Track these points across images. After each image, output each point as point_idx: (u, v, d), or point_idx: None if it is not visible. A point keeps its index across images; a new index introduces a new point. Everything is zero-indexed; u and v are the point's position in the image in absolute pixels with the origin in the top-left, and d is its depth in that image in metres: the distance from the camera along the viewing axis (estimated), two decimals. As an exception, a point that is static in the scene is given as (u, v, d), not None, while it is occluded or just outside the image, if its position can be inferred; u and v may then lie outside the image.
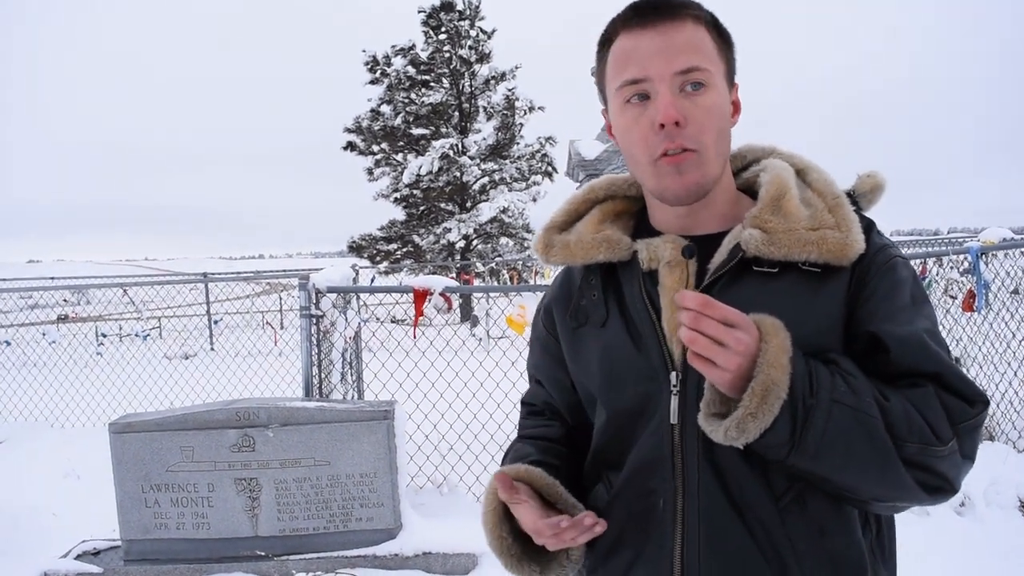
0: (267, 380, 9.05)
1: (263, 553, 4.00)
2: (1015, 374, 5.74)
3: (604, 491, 1.30)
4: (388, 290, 5.56)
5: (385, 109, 20.97)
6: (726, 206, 1.29)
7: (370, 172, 21.77)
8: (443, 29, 20.61)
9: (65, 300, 21.89)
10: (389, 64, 20.74)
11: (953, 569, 3.85)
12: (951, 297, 7.05)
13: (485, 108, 21.28)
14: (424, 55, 20.75)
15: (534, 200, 20.86)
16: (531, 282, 19.26)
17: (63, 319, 16.07)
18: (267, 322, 16.14)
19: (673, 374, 1.19)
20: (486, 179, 20.84)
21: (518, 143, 21.22)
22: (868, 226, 1.23)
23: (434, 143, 20.05)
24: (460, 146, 20.03)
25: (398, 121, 20.74)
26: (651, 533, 1.21)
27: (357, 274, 5.61)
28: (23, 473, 6.06)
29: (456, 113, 21.16)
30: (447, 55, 20.54)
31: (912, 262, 7.11)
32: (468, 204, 20.90)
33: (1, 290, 8.39)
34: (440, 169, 19.63)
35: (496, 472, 1.26)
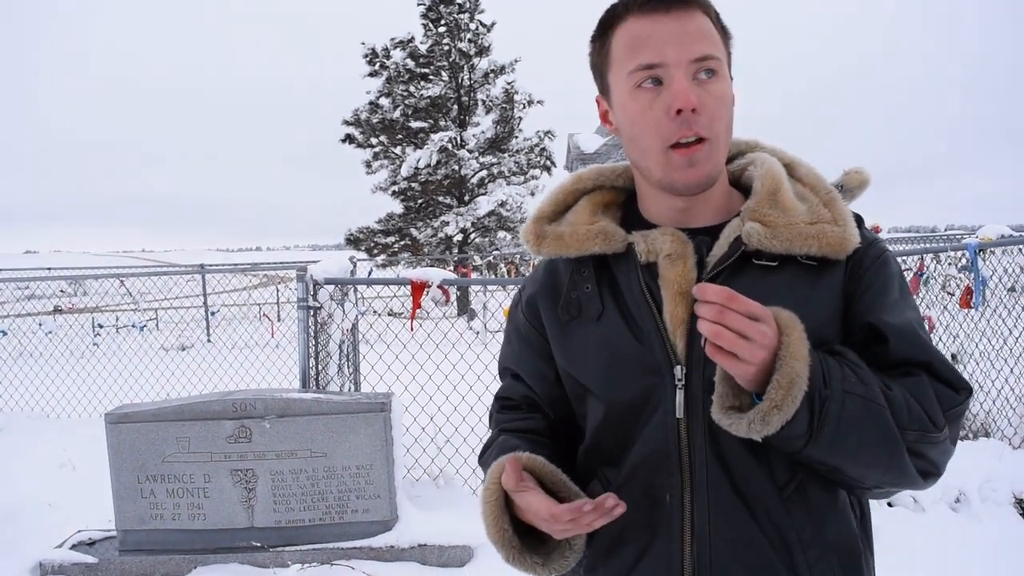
0: (264, 372, 9.05)
1: (259, 544, 4.00)
2: (1011, 371, 5.75)
3: (600, 488, 1.27)
4: (386, 282, 5.55)
5: (384, 102, 20.94)
6: (721, 199, 1.29)
7: (368, 165, 21.74)
8: (443, 22, 20.56)
9: (62, 291, 21.87)
10: (388, 57, 20.70)
11: (947, 565, 3.86)
12: (948, 293, 7.05)
13: (484, 101, 21.23)
14: (423, 48, 20.71)
15: (532, 194, 20.81)
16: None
17: (59, 311, 16.05)
18: (264, 314, 16.13)
19: (678, 368, 1.19)
20: (484, 172, 20.82)
21: (517, 137, 21.19)
22: (858, 220, 1.26)
23: (433, 136, 20.02)
24: (459, 139, 19.99)
25: (397, 114, 20.71)
26: (658, 528, 1.20)
27: (355, 266, 5.61)
28: (19, 463, 6.04)
29: (455, 106, 21.13)
30: (446, 48, 20.49)
31: (910, 258, 7.12)
32: (466, 198, 20.87)
33: (-3, 280, 8.37)
34: (438, 162, 19.61)
35: (508, 458, 1.22)
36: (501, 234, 21.78)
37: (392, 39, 20.67)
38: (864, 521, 1.28)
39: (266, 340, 12.17)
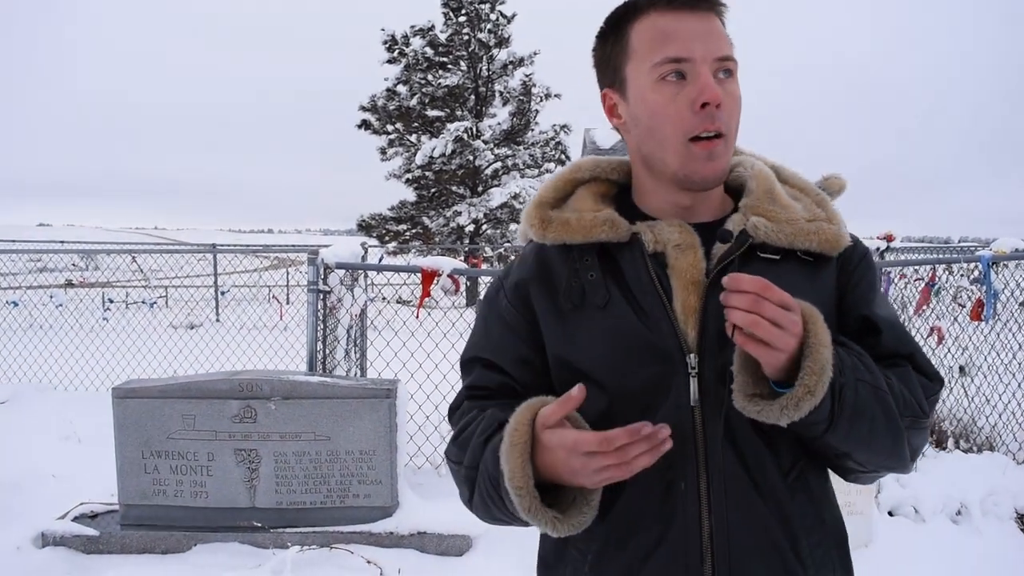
0: (271, 353, 9.08)
1: (259, 524, 4.02)
2: (1019, 385, 5.72)
3: None
4: (397, 269, 5.56)
5: (401, 89, 20.95)
6: (718, 197, 1.34)
7: (383, 152, 21.76)
8: (463, 11, 20.52)
9: (74, 264, 21.98)
10: (407, 44, 20.69)
11: (946, 576, 3.86)
12: (960, 305, 7.02)
13: (501, 93, 21.21)
14: (443, 37, 20.69)
15: (546, 187, 20.73)
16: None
17: (72, 284, 16.13)
18: (273, 296, 16.18)
19: (691, 356, 1.20)
20: (499, 164, 20.81)
21: (532, 130, 21.17)
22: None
23: (448, 126, 20.02)
24: (474, 130, 19.98)
25: (414, 102, 20.71)
26: (674, 515, 1.20)
27: (366, 252, 5.62)
28: (25, 434, 6.09)
29: (472, 96, 21.11)
30: (466, 38, 20.47)
31: (922, 268, 7.07)
32: (479, 188, 20.87)
33: (11, 251, 8.41)
34: (453, 152, 19.61)
35: (555, 400, 1.13)
36: (513, 226, 21.76)
37: (412, 27, 20.67)
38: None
39: (275, 322, 12.22)
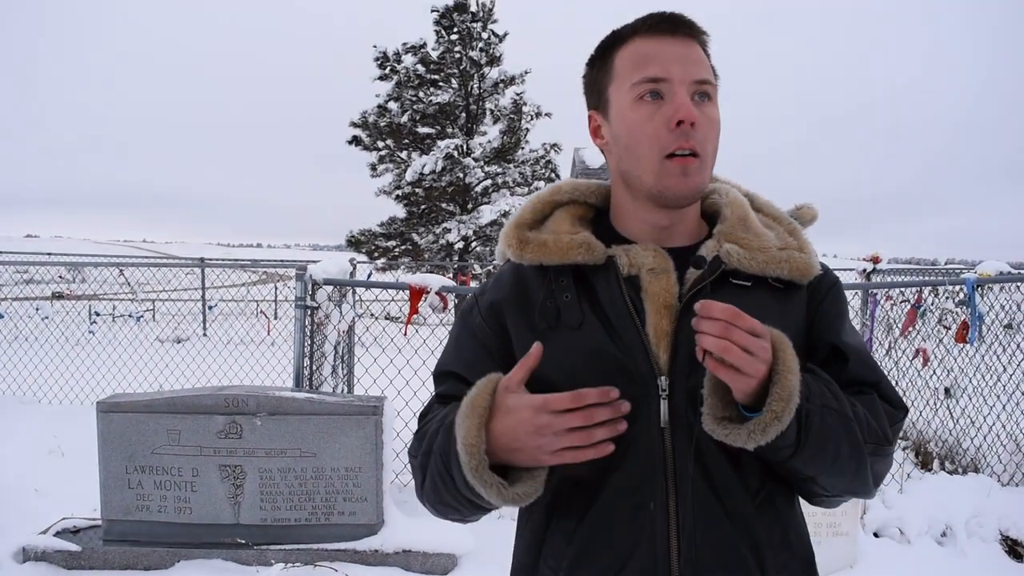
0: (258, 369, 9.05)
1: (243, 541, 3.99)
2: (1003, 408, 5.76)
3: (577, 497, 1.25)
4: (385, 286, 5.55)
5: (392, 106, 20.98)
6: (694, 222, 1.37)
7: (373, 168, 21.76)
8: (455, 30, 20.61)
9: (61, 276, 21.84)
10: (399, 61, 20.75)
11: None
12: (944, 327, 7.06)
13: (492, 111, 21.28)
14: (435, 54, 20.76)
15: (535, 206, 20.76)
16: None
17: (59, 296, 16.03)
18: (261, 311, 16.12)
19: (662, 378, 1.22)
20: (489, 182, 20.84)
21: (523, 148, 21.21)
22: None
23: (439, 143, 20.05)
24: (465, 147, 20.02)
25: (404, 119, 20.74)
26: (641, 536, 1.21)
27: (355, 268, 5.61)
28: (7, 447, 6.03)
29: (463, 114, 21.17)
30: (457, 56, 20.55)
31: (908, 290, 7.11)
32: (469, 206, 20.89)
33: (-3, 262, 8.35)
34: (443, 169, 19.63)
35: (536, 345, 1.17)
36: (503, 244, 21.72)
37: (404, 44, 20.73)
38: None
39: (262, 337, 12.17)
